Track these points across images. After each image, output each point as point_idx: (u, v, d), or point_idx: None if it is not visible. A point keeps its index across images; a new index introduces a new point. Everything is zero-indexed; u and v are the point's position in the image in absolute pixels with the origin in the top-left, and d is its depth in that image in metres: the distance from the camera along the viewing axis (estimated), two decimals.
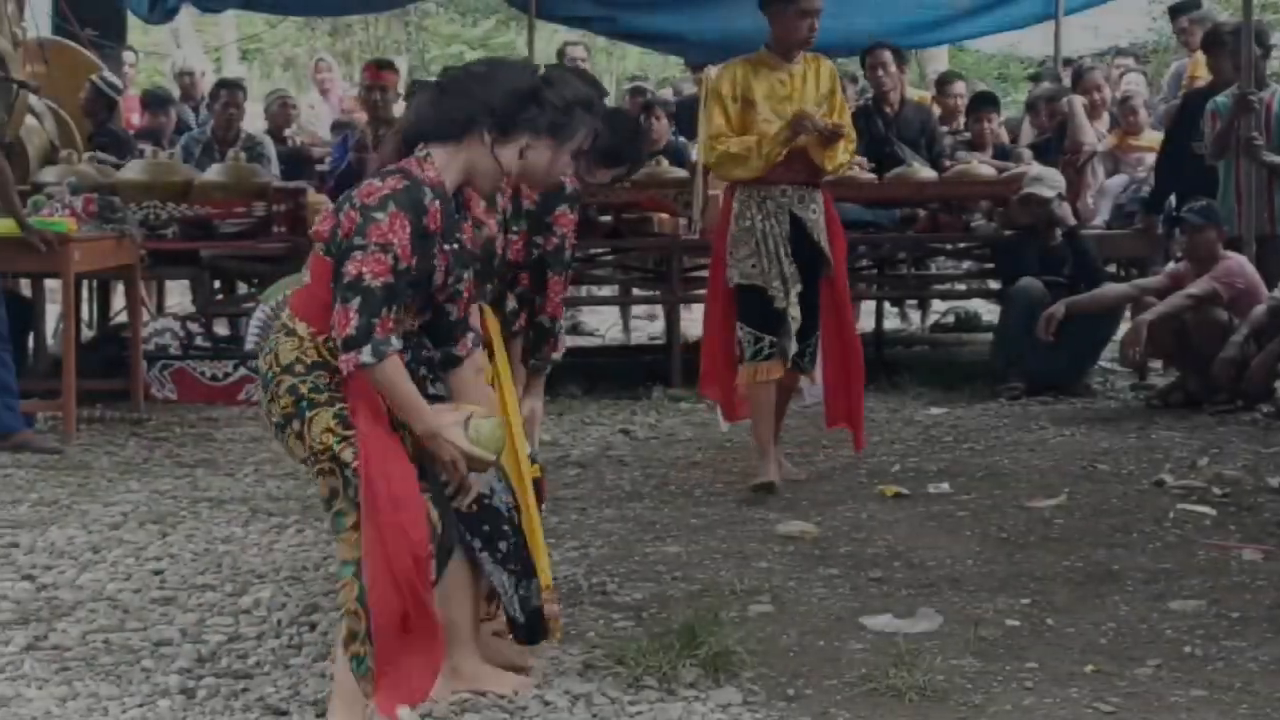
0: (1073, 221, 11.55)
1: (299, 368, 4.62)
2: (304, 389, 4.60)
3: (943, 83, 15.11)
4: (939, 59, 23.30)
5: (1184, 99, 12.22)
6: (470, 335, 4.90)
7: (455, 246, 4.71)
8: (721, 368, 8.35)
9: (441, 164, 4.66)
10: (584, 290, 13.73)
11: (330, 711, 4.76)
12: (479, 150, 4.70)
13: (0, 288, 9.49)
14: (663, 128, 13.15)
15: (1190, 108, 11.59)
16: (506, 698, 5.05)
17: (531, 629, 5.23)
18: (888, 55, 12.65)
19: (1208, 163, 10.89)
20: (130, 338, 10.80)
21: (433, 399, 4.72)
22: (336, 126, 15.16)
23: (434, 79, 4.75)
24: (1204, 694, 5.14)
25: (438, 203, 4.58)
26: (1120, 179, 12.70)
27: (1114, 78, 15.21)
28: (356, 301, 4.40)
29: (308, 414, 4.60)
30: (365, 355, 4.40)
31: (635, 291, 14.00)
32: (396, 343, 4.45)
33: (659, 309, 14.22)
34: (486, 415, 4.75)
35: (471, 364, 4.95)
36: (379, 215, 4.47)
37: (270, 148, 13.17)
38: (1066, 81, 14.52)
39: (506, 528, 5.14)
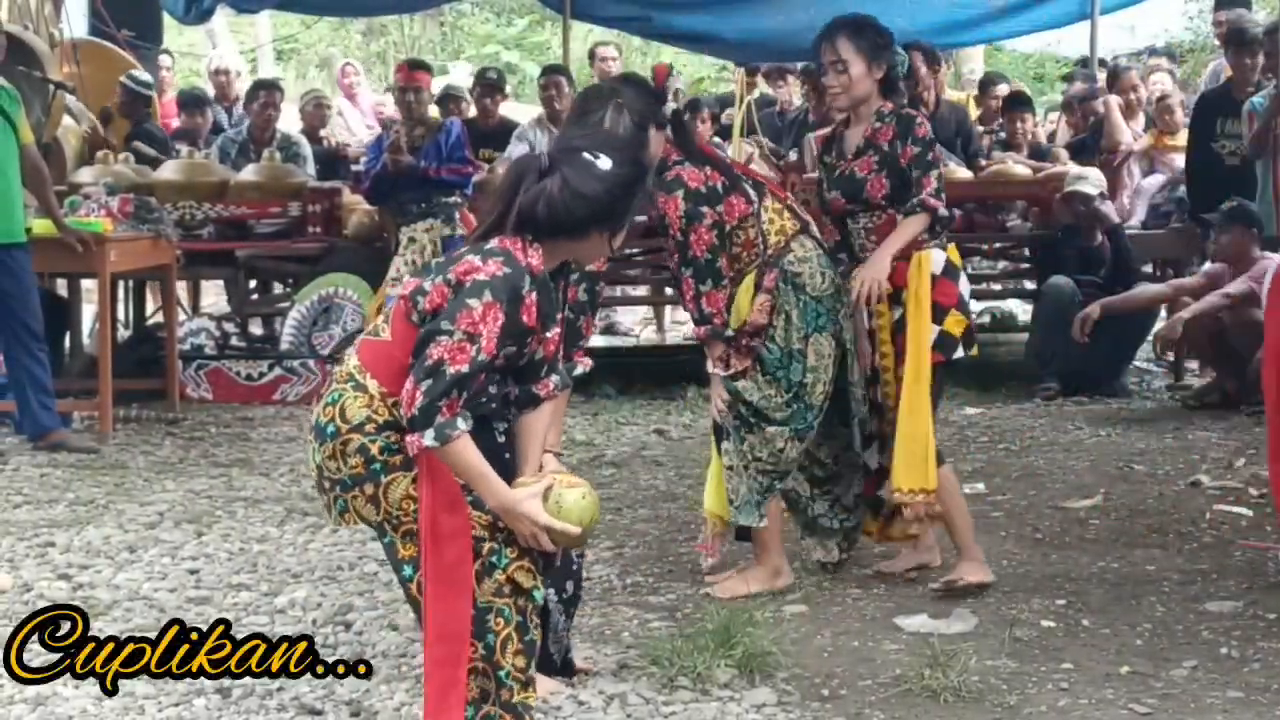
0: (1116, 219, 11.52)
1: (369, 427, 4.41)
2: (375, 450, 4.41)
3: (985, 85, 15.10)
4: (975, 59, 23.26)
5: (1200, 100, 12.15)
6: (555, 378, 4.67)
7: (551, 334, 4.56)
8: None
9: (548, 252, 4.47)
10: (618, 290, 13.71)
11: None
12: (594, 242, 4.56)
13: (37, 288, 9.50)
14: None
15: (1208, 108, 11.53)
16: (539, 698, 5.05)
17: (563, 666, 5.26)
18: (919, 56, 12.60)
19: (1251, 159, 10.84)
20: (166, 337, 10.83)
21: (496, 452, 4.56)
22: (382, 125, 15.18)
23: (549, 158, 4.48)
24: (1240, 695, 5.12)
25: (534, 294, 4.39)
26: (1156, 178, 12.65)
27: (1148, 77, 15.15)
28: (427, 384, 4.22)
29: (383, 479, 4.42)
30: (428, 439, 4.23)
31: (669, 291, 13.96)
32: (464, 424, 4.27)
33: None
34: (571, 484, 4.51)
35: (549, 408, 4.75)
36: (472, 302, 4.28)
37: (306, 148, 13.19)
38: (1101, 81, 14.48)
39: (575, 566, 5.19)
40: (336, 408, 4.44)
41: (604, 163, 4.48)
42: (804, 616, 5.97)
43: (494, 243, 4.42)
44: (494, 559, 4.40)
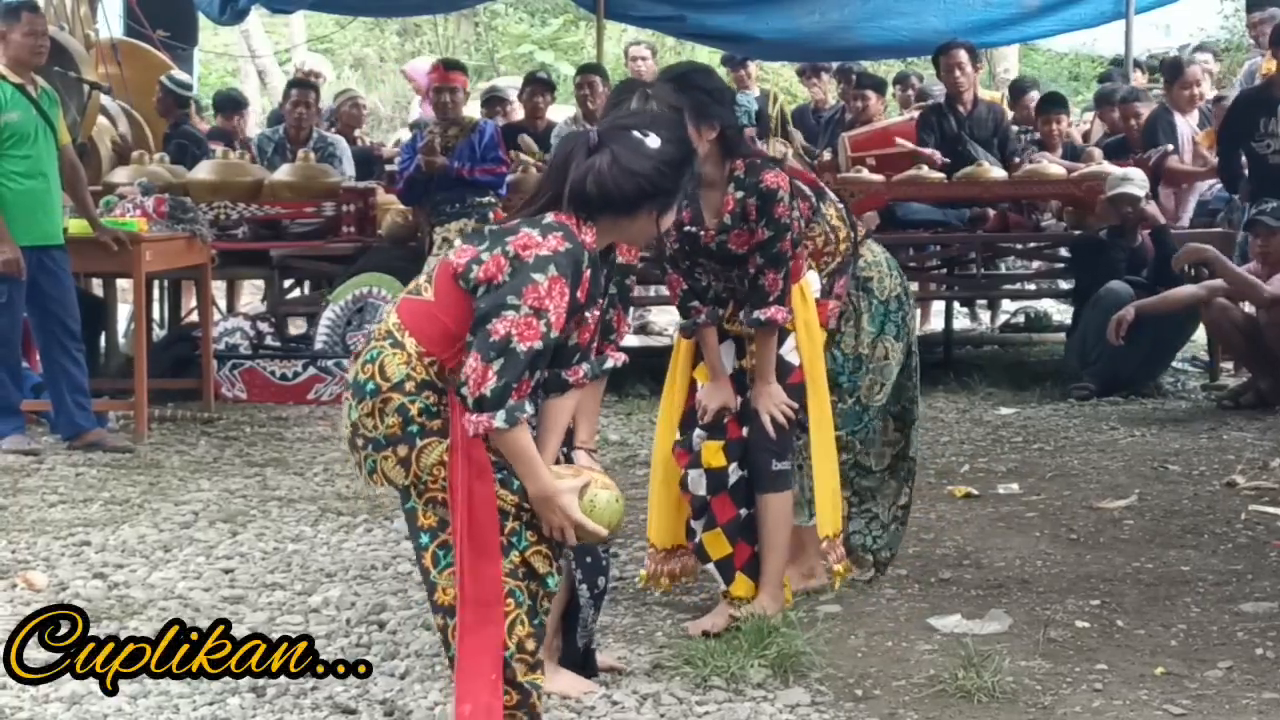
0: (1162, 220, 11.49)
1: (409, 385, 4.38)
2: (414, 410, 4.37)
3: (1017, 90, 15.11)
4: (1009, 59, 23.24)
5: (1238, 99, 12.07)
6: (586, 366, 4.66)
7: (591, 317, 4.56)
8: None
9: (602, 230, 4.48)
10: (652, 290, 13.73)
11: None
12: (643, 223, 4.54)
13: (74, 287, 9.54)
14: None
15: (1248, 108, 11.46)
16: (574, 698, 5.06)
17: (585, 658, 5.26)
18: (964, 54, 12.57)
19: None
20: (201, 337, 10.86)
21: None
22: (412, 125, 15.21)
23: (598, 135, 4.48)
24: (1275, 697, 5.10)
25: (589, 270, 4.40)
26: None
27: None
28: (499, 363, 4.20)
29: (418, 442, 4.39)
30: (499, 421, 4.22)
31: None
32: (530, 407, 4.31)
33: None
34: (605, 486, 4.53)
35: (574, 397, 4.73)
36: (538, 276, 4.26)
37: (342, 148, 13.22)
38: (1140, 81, 14.44)
39: (605, 562, 5.21)
40: (376, 365, 4.41)
41: (653, 140, 4.49)
42: (838, 617, 5.96)
43: (550, 218, 4.40)
44: (513, 539, 4.41)
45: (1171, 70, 13.41)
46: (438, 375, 4.40)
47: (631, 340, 12.95)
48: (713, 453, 5.86)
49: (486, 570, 4.38)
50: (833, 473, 6.00)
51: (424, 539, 4.48)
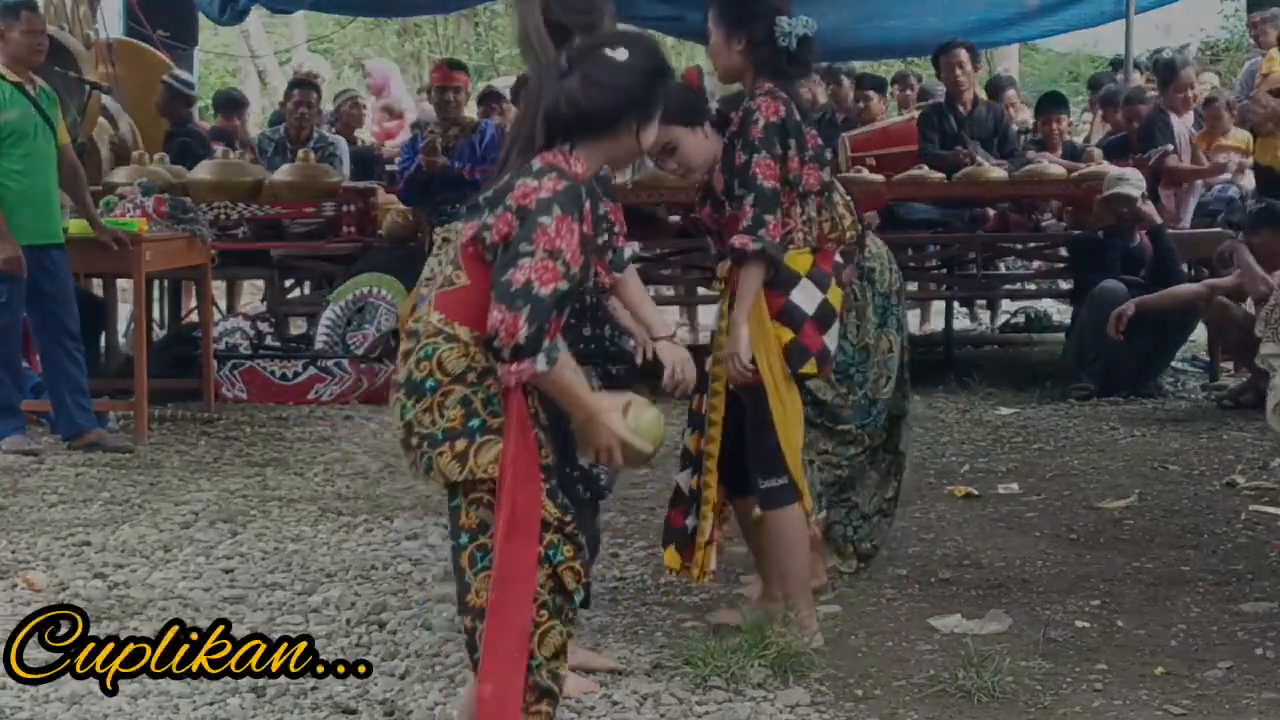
0: (1159, 220, 11.49)
1: (470, 376, 4.31)
2: (477, 402, 4.31)
3: (995, 89, 15.13)
4: (1009, 58, 23.23)
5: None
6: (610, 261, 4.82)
7: (600, 241, 4.61)
8: None
9: (586, 157, 4.44)
10: (651, 290, 13.74)
11: None
12: (625, 140, 4.47)
13: (74, 287, 9.54)
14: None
15: None
16: (573, 698, 5.06)
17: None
18: (965, 54, 12.57)
19: None
20: (201, 337, 10.86)
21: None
22: (413, 125, 15.20)
23: (566, 60, 4.42)
24: (1275, 697, 5.11)
25: (587, 202, 4.39)
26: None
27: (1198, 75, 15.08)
28: (526, 310, 4.14)
29: (478, 438, 4.31)
30: (540, 364, 4.17)
31: (702, 291, 13.97)
32: (563, 345, 4.28)
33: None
34: (647, 405, 4.53)
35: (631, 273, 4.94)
36: (544, 219, 4.22)
37: (342, 148, 13.22)
38: (1136, 81, 14.44)
39: (585, 511, 5.18)
40: (433, 362, 4.33)
41: (621, 54, 4.44)
42: (838, 617, 5.96)
43: (538, 162, 4.37)
44: (551, 551, 4.39)
45: (1166, 72, 13.43)
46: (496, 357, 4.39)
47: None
48: (694, 443, 5.86)
49: (522, 553, 4.34)
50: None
51: (463, 538, 4.41)
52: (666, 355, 4.97)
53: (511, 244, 4.21)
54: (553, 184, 4.28)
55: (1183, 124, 12.71)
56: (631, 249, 4.90)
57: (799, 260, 5.54)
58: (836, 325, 5.61)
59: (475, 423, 4.29)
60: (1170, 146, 12.33)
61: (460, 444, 4.29)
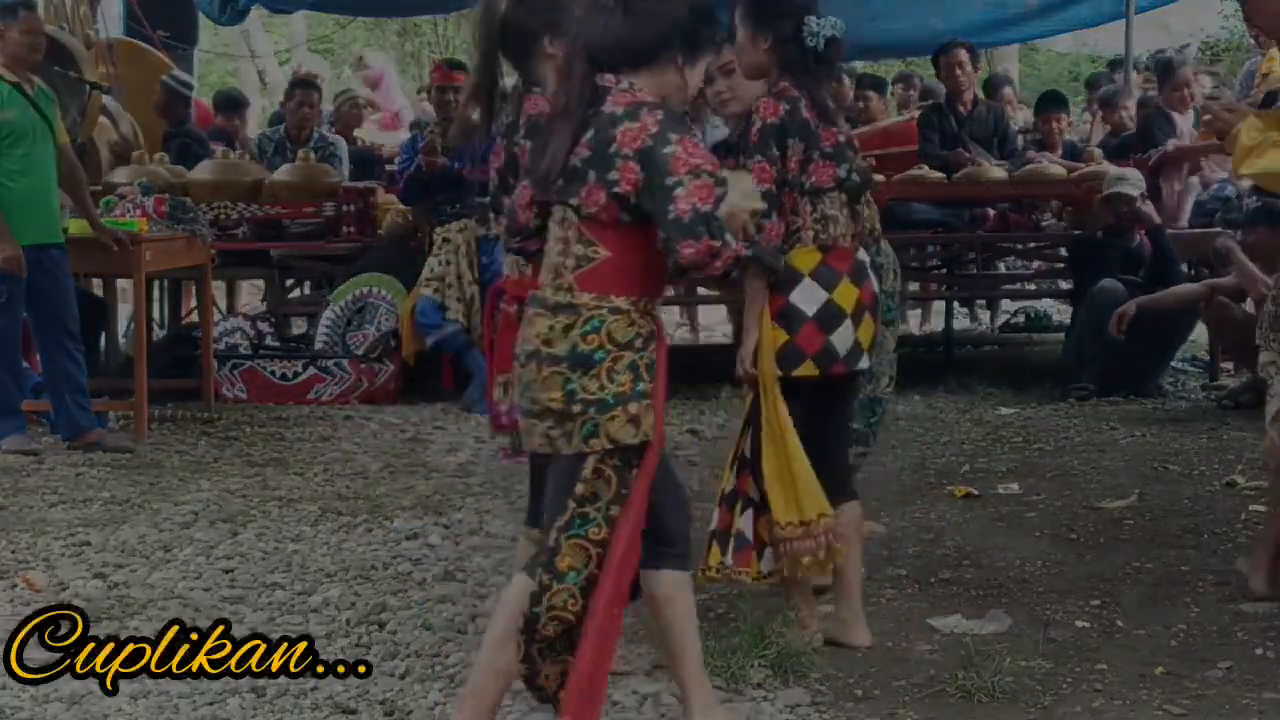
0: (1158, 220, 11.49)
1: (638, 342, 4.43)
2: (643, 367, 4.43)
3: (991, 88, 15.13)
4: (1009, 58, 23.23)
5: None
6: None
7: None
8: None
9: (647, 92, 4.48)
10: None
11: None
12: (671, 74, 4.53)
13: (74, 287, 9.54)
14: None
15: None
16: None
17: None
18: (965, 54, 12.58)
19: None
20: (201, 337, 10.86)
21: None
22: (413, 125, 15.20)
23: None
24: (1275, 697, 5.10)
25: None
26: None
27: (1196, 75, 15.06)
28: (713, 228, 4.30)
29: (643, 401, 4.43)
30: (750, 250, 4.56)
31: (701, 291, 13.97)
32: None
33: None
34: (737, 177, 4.71)
35: None
36: (668, 149, 4.33)
37: (342, 148, 13.22)
38: (1136, 81, 14.44)
39: None
40: (601, 334, 4.41)
41: None
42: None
43: (618, 107, 4.41)
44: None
45: (1163, 71, 13.43)
46: (653, 317, 4.50)
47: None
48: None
49: (629, 577, 4.47)
50: (795, 460, 5.63)
51: (570, 502, 4.48)
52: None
53: (653, 186, 4.31)
54: (651, 116, 4.37)
55: (1184, 121, 12.70)
56: None
57: (804, 259, 5.49)
58: (848, 323, 5.55)
59: (641, 387, 4.42)
60: (1173, 142, 12.31)
61: (633, 407, 4.41)
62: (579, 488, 4.44)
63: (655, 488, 4.49)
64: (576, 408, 4.39)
